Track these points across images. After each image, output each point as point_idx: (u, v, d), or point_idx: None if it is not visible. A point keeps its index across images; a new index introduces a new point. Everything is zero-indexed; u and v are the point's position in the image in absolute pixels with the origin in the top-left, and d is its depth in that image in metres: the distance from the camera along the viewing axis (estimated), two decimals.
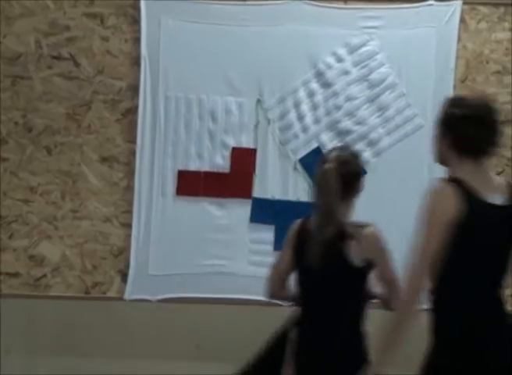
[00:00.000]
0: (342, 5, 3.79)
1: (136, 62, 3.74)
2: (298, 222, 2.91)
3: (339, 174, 2.77)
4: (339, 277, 2.84)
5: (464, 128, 2.55)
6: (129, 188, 3.74)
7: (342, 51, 3.78)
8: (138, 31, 3.72)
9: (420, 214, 2.48)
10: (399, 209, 3.68)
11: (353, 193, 2.86)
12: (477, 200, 2.52)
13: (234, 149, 3.76)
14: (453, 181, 2.53)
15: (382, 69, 3.79)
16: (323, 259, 2.78)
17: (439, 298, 2.53)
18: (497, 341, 2.53)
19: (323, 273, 2.80)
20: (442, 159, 2.67)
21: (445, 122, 2.61)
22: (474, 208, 2.51)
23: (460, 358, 2.52)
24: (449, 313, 2.53)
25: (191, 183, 3.73)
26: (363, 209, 3.68)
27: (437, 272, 2.50)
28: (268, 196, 3.76)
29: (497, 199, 2.56)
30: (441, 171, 3.68)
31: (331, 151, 2.92)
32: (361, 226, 2.83)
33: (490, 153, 2.60)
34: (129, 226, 3.74)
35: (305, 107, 3.78)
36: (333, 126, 3.78)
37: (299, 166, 3.77)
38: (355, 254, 2.79)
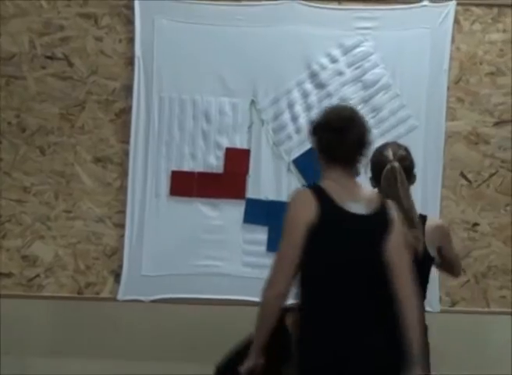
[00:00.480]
0: (336, 6, 3.79)
1: (130, 62, 3.73)
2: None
3: (405, 171, 2.98)
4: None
5: (326, 137, 2.62)
6: (123, 189, 3.74)
7: (336, 52, 3.78)
8: (132, 31, 3.71)
9: (283, 220, 2.54)
10: None
11: (410, 185, 3.05)
12: (334, 207, 2.56)
13: (228, 150, 3.75)
14: (313, 188, 2.59)
15: (376, 70, 3.79)
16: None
17: (301, 302, 2.57)
18: (358, 349, 2.55)
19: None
20: (320, 167, 2.72)
21: (312, 131, 2.69)
22: (329, 215, 2.55)
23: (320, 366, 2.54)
24: (307, 319, 2.58)
25: (185, 184, 3.72)
26: None
27: (300, 277, 2.55)
28: (262, 197, 3.76)
29: (359, 209, 2.61)
30: (433, 171, 3.75)
31: (384, 148, 3.04)
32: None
33: (357, 162, 2.65)
34: (122, 226, 3.73)
35: (299, 108, 3.78)
36: None
37: (292, 167, 3.77)
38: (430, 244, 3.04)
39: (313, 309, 2.58)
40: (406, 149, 3.10)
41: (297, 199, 2.59)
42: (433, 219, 3.25)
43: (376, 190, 2.94)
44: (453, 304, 3.83)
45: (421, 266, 3.03)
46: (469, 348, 4.37)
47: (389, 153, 3.06)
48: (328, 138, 2.62)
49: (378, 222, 2.65)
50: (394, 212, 2.69)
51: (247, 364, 2.67)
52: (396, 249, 2.63)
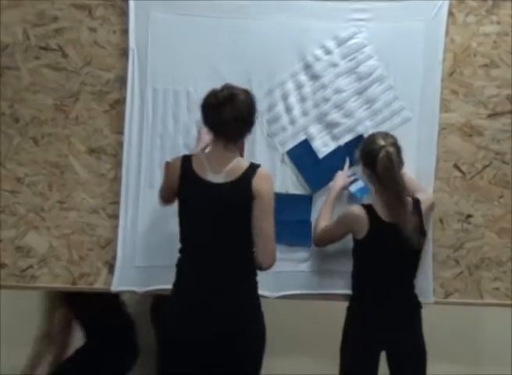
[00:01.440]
0: None
1: (124, 53, 3.72)
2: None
3: (398, 155, 3.42)
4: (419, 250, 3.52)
5: (204, 114, 3.27)
6: (117, 180, 3.73)
7: (330, 44, 3.77)
8: (126, 23, 3.69)
9: None
10: None
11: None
12: (192, 175, 3.23)
13: None
14: (184, 157, 3.32)
15: (370, 62, 3.79)
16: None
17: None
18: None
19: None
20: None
21: (200, 108, 3.29)
22: (186, 181, 3.24)
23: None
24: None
25: None
26: (352, 199, 3.74)
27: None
28: None
29: (217, 178, 3.22)
30: (427, 163, 3.76)
31: (374, 137, 3.48)
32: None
33: (232, 137, 3.26)
34: (116, 217, 3.73)
35: (293, 99, 3.77)
36: (321, 119, 3.78)
37: (287, 159, 3.77)
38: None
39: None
40: (393, 136, 3.48)
41: (168, 165, 3.44)
42: (426, 200, 3.62)
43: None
44: (447, 295, 3.83)
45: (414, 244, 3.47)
46: (463, 340, 4.40)
47: (381, 140, 3.43)
48: (209, 115, 3.24)
49: (235, 188, 3.20)
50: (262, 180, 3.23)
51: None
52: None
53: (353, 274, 3.56)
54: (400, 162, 3.44)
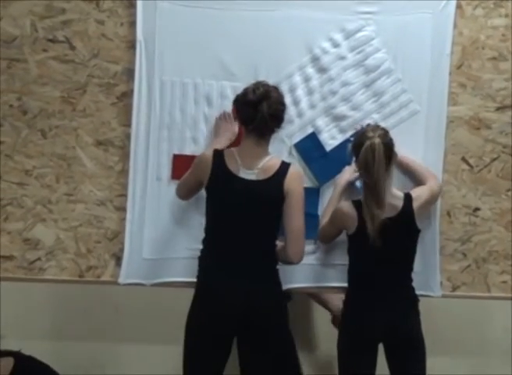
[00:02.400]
0: None
1: (131, 46, 3.71)
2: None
3: (385, 148, 3.34)
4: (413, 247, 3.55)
5: (241, 110, 3.36)
6: (124, 172, 3.73)
7: (338, 37, 3.76)
8: (134, 15, 3.69)
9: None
10: None
11: (392, 164, 3.42)
12: (224, 171, 3.34)
13: None
14: (216, 152, 3.40)
15: (378, 55, 3.78)
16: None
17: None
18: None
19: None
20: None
21: (235, 104, 3.41)
22: (218, 176, 3.34)
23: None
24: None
25: (186, 168, 3.68)
26: (360, 192, 3.74)
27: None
28: None
29: (249, 175, 3.34)
30: (435, 156, 3.75)
31: (364, 130, 3.43)
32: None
33: (265, 133, 3.38)
34: (123, 209, 3.73)
35: (301, 92, 3.77)
36: (329, 112, 3.77)
37: (294, 151, 3.76)
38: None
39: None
40: (384, 128, 3.45)
41: (199, 158, 3.51)
42: (419, 197, 3.54)
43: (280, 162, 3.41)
44: (454, 289, 3.83)
45: (405, 238, 3.51)
46: (470, 333, 4.39)
47: (369, 133, 3.37)
48: (247, 111, 3.31)
49: (267, 186, 3.33)
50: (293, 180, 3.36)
51: None
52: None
53: (348, 269, 3.58)
54: (389, 156, 3.39)
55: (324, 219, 3.66)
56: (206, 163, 3.40)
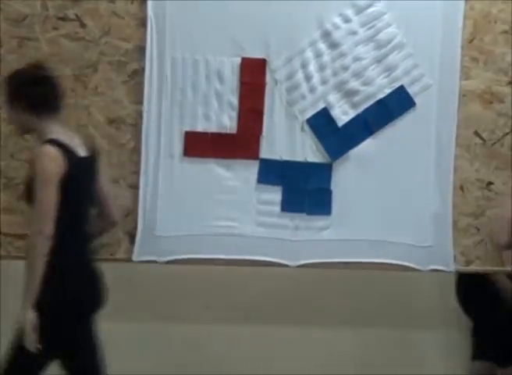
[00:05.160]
0: None
1: (142, 23, 3.70)
2: None
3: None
4: None
5: (32, 91, 3.09)
6: (137, 150, 3.73)
7: (349, 12, 3.75)
8: None
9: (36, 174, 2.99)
10: (406, 167, 3.73)
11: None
12: (74, 156, 3.08)
13: (241, 109, 3.73)
14: (51, 142, 3.05)
15: (389, 30, 3.76)
16: None
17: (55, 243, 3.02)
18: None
19: None
20: (23, 128, 3.21)
21: (13, 92, 3.13)
22: (74, 164, 3.05)
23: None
24: (60, 255, 3.04)
25: (198, 145, 3.71)
26: (372, 166, 3.74)
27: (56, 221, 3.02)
28: (276, 157, 3.75)
29: (82, 152, 3.17)
30: (447, 130, 3.74)
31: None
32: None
33: (61, 109, 3.20)
34: (136, 187, 3.73)
35: (312, 67, 3.75)
36: (340, 87, 3.76)
37: (306, 127, 3.76)
38: None
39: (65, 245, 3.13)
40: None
41: (47, 156, 3.01)
42: None
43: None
44: (468, 263, 3.83)
45: None
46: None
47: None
48: (38, 90, 3.11)
49: (95, 162, 3.26)
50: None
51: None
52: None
53: None
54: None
55: None
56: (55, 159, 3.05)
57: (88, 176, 3.24)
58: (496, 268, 3.83)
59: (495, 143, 3.80)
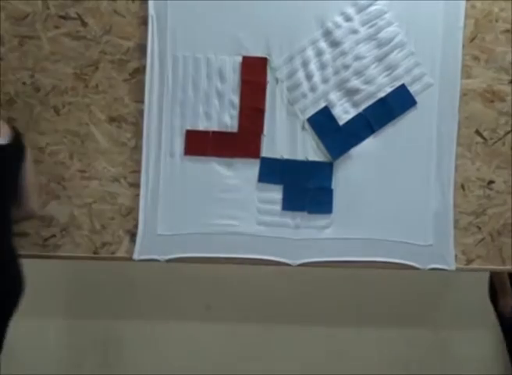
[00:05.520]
0: None
1: (143, 22, 3.70)
2: None
3: None
4: None
5: None
6: (137, 148, 3.73)
7: (350, 10, 3.74)
8: None
9: None
10: (407, 166, 3.74)
11: None
12: None
13: (242, 108, 3.73)
14: None
15: (391, 28, 3.75)
16: None
17: None
18: None
19: None
20: None
21: None
22: None
23: None
24: None
25: (199, 143, 3.71)
26: (373, 165, 3.74)
27: None
28: (277, 156, 3.74)
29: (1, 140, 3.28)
30: (448, 129, 3.74)
31: None
32: None
33: None
34: (137, 186, 3.73)
35: (313, 66, 3.75)
36: (341, 86, 3.76)
37: (307, 126, 3.76)
38: None
39: None
40: None
41: None
42: None
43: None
44: (469, 262, 3.83)
45: None
46: (485, 306, 4.38)
47: None
48: None
49: (13, 150, 3.37)
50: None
51: None
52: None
53: None
54: None
55: None
56: None
57: (1, 164, 3.34)
58: (496, 267, 3.83)
59: (496, 142, 3.79)
